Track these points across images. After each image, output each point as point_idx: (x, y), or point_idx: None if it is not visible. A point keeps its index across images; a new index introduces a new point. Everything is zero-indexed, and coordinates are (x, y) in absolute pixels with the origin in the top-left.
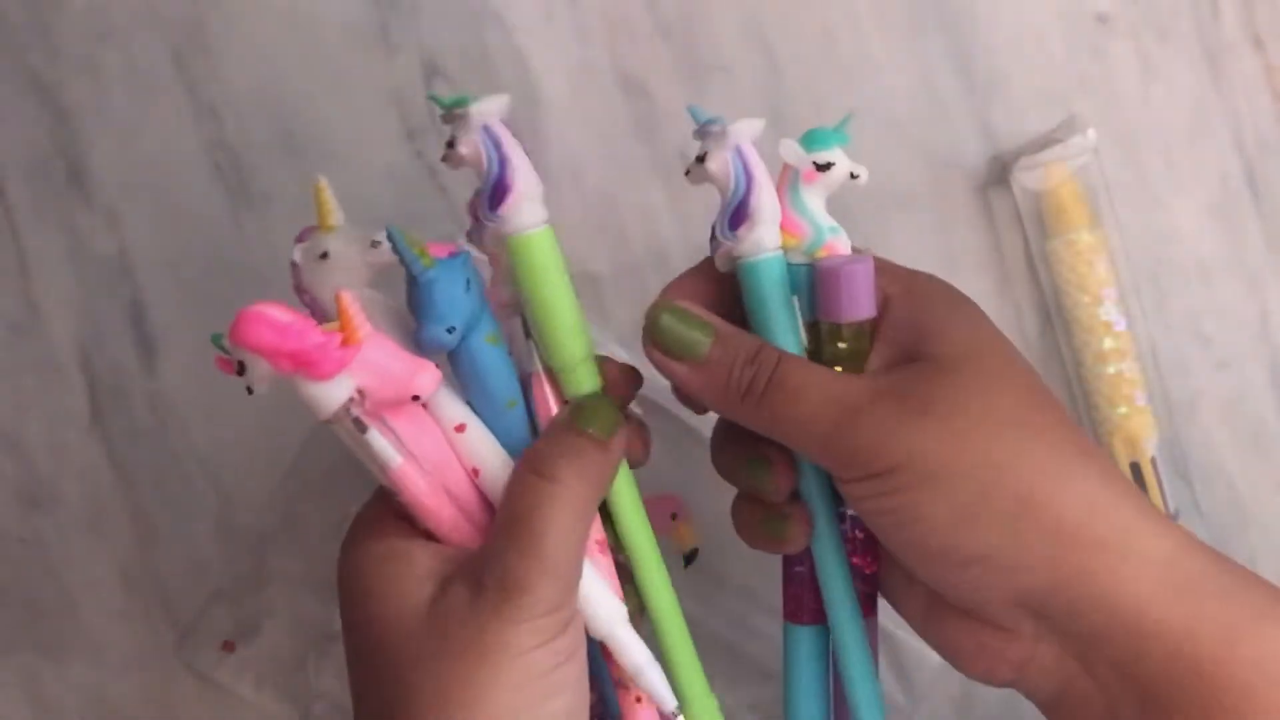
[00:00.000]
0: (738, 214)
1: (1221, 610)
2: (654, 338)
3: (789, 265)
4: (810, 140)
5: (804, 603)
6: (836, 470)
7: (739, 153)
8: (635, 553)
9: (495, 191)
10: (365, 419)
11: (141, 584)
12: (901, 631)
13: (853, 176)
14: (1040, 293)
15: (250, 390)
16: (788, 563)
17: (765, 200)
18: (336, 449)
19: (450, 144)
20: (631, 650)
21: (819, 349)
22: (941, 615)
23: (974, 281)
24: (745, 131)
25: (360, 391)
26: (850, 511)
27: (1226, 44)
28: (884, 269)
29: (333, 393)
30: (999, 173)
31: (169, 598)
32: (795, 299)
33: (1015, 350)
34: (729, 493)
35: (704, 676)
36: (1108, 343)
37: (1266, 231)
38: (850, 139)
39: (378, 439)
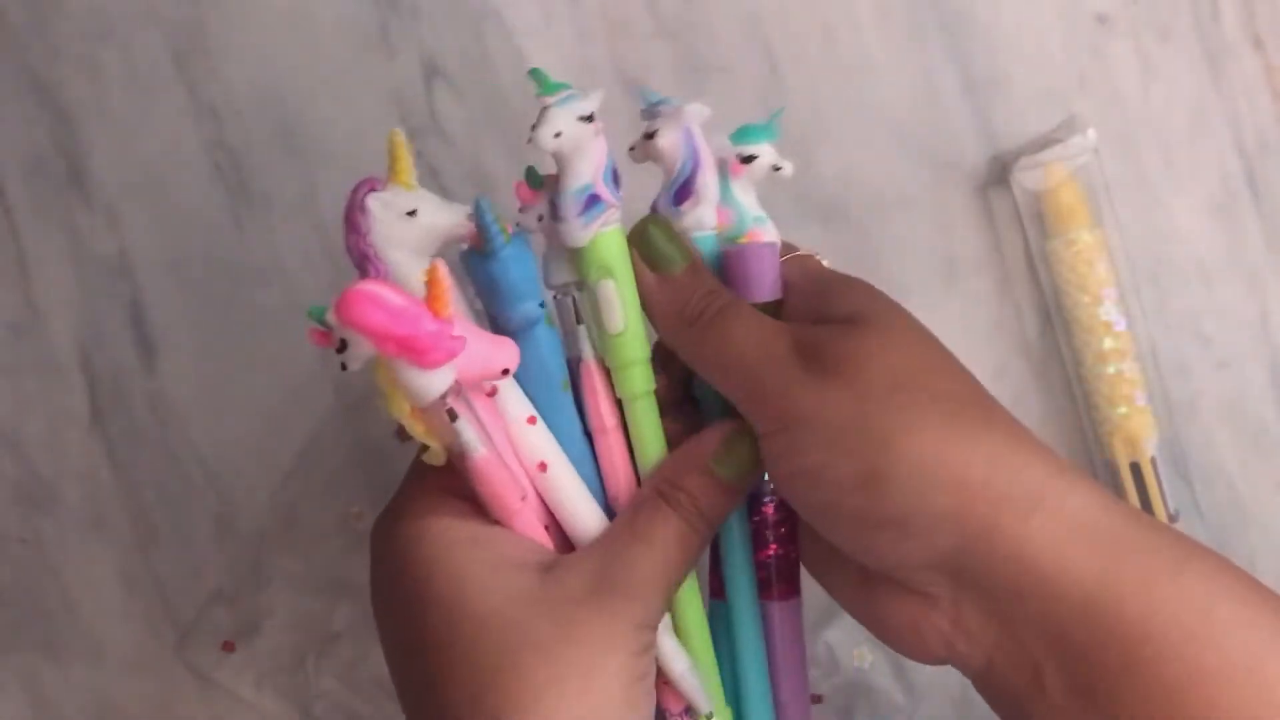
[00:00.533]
0: (683, 190)
1: (1139, 563)
2: (636, 243)
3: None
4: (739, 135)
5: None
6: (753, 418)
7: (689, 133)
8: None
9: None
10: (456, 407)
11: (141, 584)
12: None
13: (775, 169)
14: (1040, 293)
15: (344, 367)
16: (714, 545)
17: (709, 181)
18: (337, 449)
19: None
20: (675, 657)
21: None
22: (870, 594)
23: (974, 281)
24: (696, 114)
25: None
26: (771, 498)
27: (1226, 44)
28: (800, 264)
29: (435, 382)
30: (999, 173)
31: (169, 598)
32: None
33: (913, 317)
34: None
35: (722, 689)
36: (1108, 343)
37: (1266, 231)
38: (779, 135)
39: (467, 428)
